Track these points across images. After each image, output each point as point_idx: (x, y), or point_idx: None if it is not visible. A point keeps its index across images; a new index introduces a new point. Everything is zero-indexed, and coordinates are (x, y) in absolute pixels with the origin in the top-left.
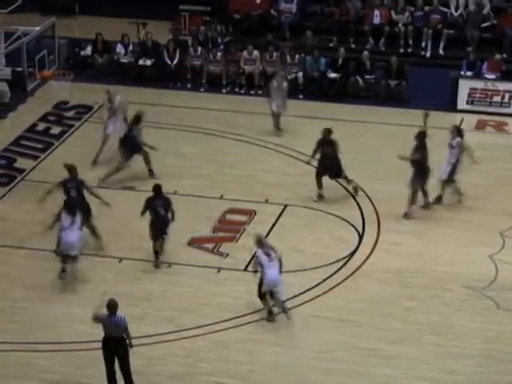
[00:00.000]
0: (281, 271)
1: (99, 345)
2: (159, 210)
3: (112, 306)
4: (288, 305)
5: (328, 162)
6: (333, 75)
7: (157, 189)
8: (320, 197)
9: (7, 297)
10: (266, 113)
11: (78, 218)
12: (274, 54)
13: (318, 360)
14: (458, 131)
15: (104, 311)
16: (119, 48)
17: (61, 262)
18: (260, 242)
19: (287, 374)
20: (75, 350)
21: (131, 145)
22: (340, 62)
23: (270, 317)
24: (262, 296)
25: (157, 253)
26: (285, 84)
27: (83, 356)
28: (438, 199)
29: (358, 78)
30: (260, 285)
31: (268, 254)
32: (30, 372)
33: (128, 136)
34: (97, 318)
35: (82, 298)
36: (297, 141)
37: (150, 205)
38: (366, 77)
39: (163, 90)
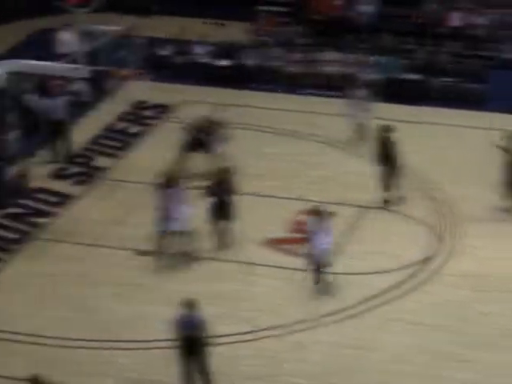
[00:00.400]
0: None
1: (177, 343)
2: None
3: (189, 305)
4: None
5: (387, 161)
6: (411, 77)
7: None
8: (394, 199)
9: (85, 295)
10: (345, 114)
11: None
12: (353, 55)
13: (393, 363)
14: None
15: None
16: (197, 48)
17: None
18: (315, 212)
19: (363, 376)
20: (153, 349)
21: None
22: (418, 64)
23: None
24: (316, 269)
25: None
26: (363, 90)
27: (160, 354)
28: None
29: (435, 79)
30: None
31: (320, 226)
32: (110, 370)
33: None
34: (173, 321)
35: (159, 297)
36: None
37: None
38: (444, 79)
39: (242, 91)
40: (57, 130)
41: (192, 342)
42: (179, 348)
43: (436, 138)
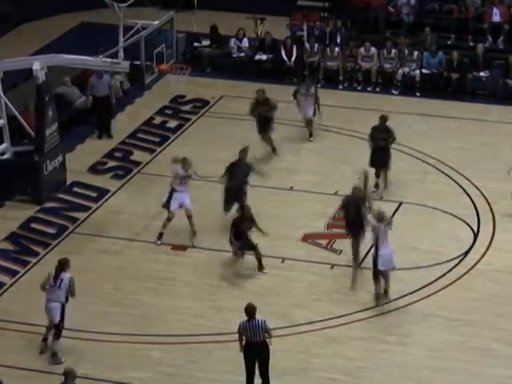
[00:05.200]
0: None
1: (212, 338)
2: None
3: (250, 311)
4: (398, 300)
5: (378, 151)
6: (452, 73)
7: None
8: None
9: (121, 289)
10: (382, 110)
11: None
12: (393, 50)
13: (430, 358)
14: None
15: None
16: (232, 43)
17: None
18: (381, 219)
19: (399, 371)
20: (188, 343)
21: None
22: (456, 61)
23: (378, 301)
24: (374, 275)
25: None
26: (312, 89)
27: (196, 349)
28: None
29: (474, 74)
30: (375, 262)
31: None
32: (144, 364)
33: None
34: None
35: (194, 292)
36: (411, 139)
37: None
38: (481, 73)
39: (280, 86)
40: (102, 106)
41: (256, 348)
42: (244, 354)
43: (482, 135)
